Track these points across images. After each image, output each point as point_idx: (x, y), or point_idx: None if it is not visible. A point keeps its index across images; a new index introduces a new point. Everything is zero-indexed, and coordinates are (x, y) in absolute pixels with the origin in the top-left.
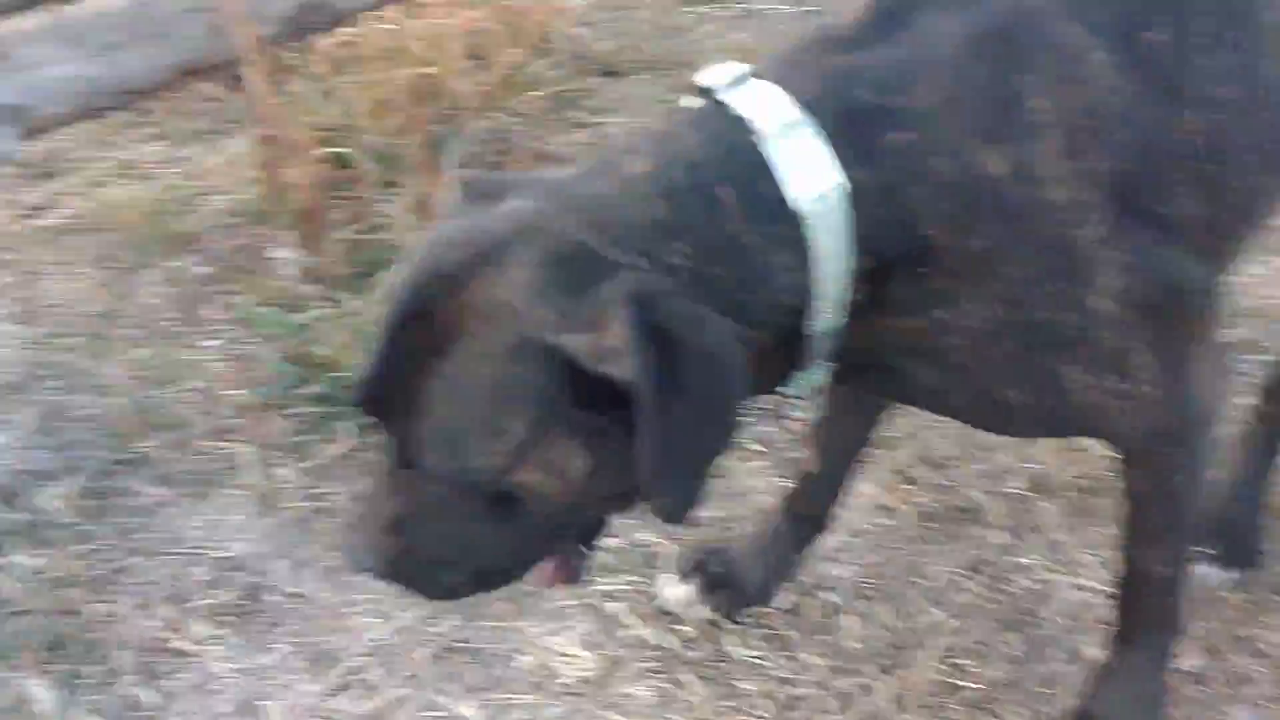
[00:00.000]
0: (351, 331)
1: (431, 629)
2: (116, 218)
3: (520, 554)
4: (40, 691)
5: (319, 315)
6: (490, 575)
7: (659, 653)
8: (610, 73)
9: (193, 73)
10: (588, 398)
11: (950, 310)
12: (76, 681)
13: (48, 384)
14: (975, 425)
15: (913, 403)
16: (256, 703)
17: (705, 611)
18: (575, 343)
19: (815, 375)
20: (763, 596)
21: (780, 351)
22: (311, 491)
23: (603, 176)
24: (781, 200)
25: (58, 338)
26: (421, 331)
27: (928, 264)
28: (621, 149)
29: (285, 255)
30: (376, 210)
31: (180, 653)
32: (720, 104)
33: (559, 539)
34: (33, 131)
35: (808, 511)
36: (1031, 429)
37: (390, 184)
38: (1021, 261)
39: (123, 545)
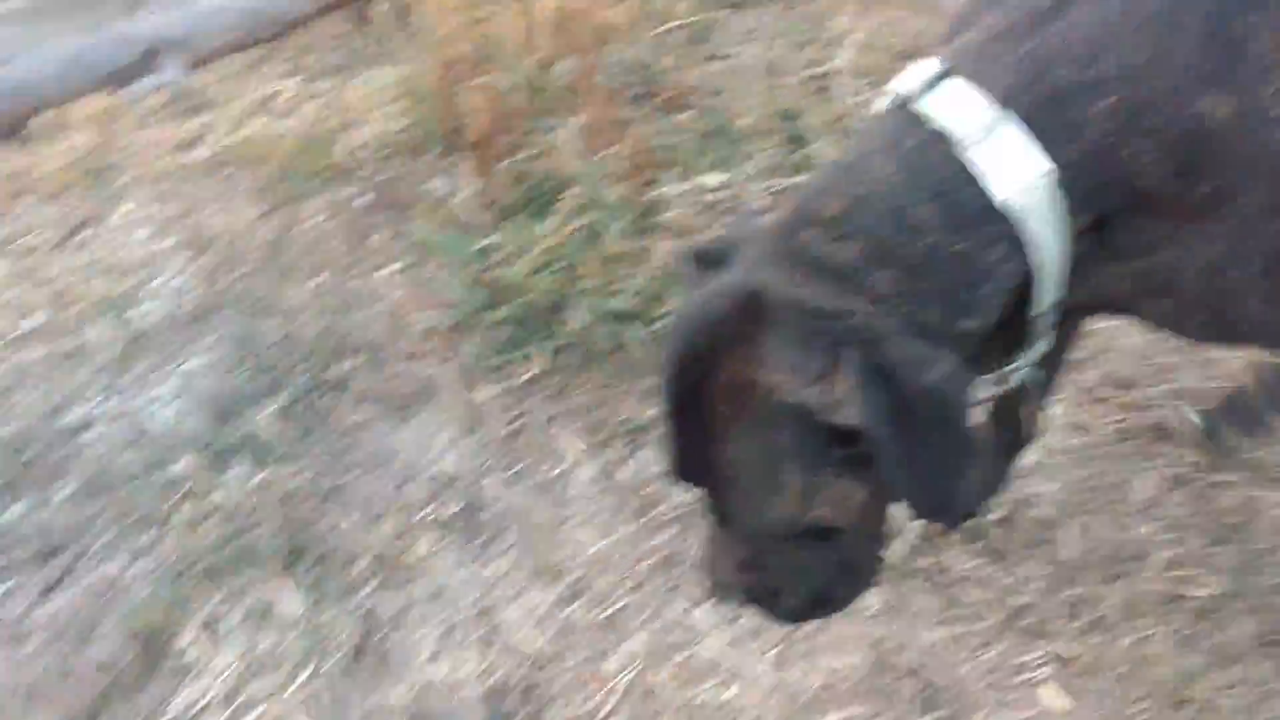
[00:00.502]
0: (534, 258)
1: (648, 542)
2: (267, 151)
3: (846, 576)
4: (286, 598)
5: (495, 241)
6: (823, 600)
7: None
8: (736, 5)
9: (333, 6)
10: (845, 438)
11: (1179, 250)
12: (319, 590)
13: (229, 312)
14: (1207, 341)
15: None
16: (491, 612)
17: (921, 525)
18: (810, 398)
19: (1040, 347)
20: (976, 508)
21: (1004, 335)
22: (513, 411)
23: (805, 225)
24: (988, 203)
25: (230, 268)
26: (692, 413)
27: (1151, 213)
28: (817, 190)
29: (453, 183)
30: (537, 139)
31: (410, 564)
32: (914, 115)
33: (875, 556)
34: (198, 62)
35: (1012, 421)
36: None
37: (548, 111)
38: (1255, 197)
39: (338, 462)
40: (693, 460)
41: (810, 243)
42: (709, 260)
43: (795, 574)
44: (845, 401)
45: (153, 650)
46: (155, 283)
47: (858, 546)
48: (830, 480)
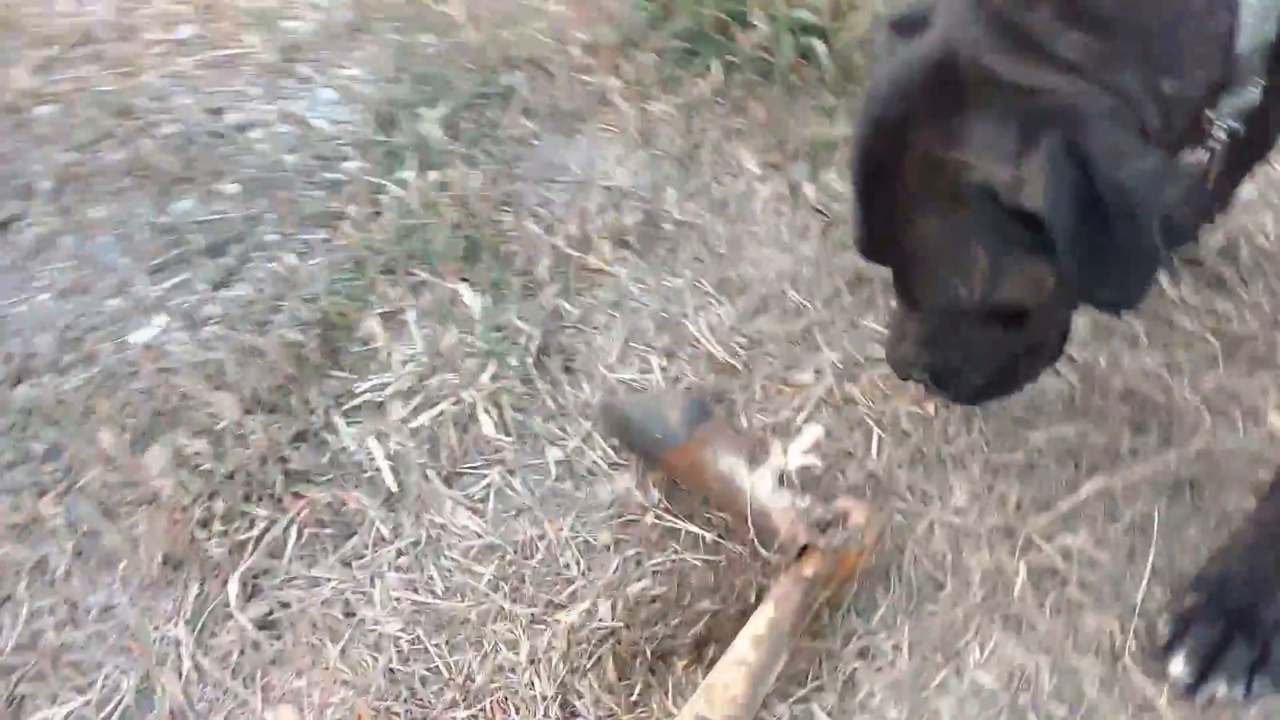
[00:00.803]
0: None
1: (836, 260)
2: None
3: (1028, 357)
4: (467, 295)
5: None
6: (1004, 380)
7: None
8: None
9: None
10: (1033, 221)
11: None
12: (499, 290)
13: (385, 24)
14: None
15: None
16: (678, 320)
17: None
18: (999, 178)
19: (1249, 94)
20: (1190, 235)
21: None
22: (688, 127)
23: None
24: None
25: None
26: (883, 188)
27: None
28: None
29: None
30: None
31: (593, 270)
32: None
33: (1059, 337)
34: None
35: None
36: None
37: None
38: None
39: (508, 170)
40: (881, 237)
41: (1004, 7)
42: (905, 28)
43: (978, 354)
44: (1032, 185)
45: (333, 339)
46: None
47: (1042, 328)
48: (1018, 262)
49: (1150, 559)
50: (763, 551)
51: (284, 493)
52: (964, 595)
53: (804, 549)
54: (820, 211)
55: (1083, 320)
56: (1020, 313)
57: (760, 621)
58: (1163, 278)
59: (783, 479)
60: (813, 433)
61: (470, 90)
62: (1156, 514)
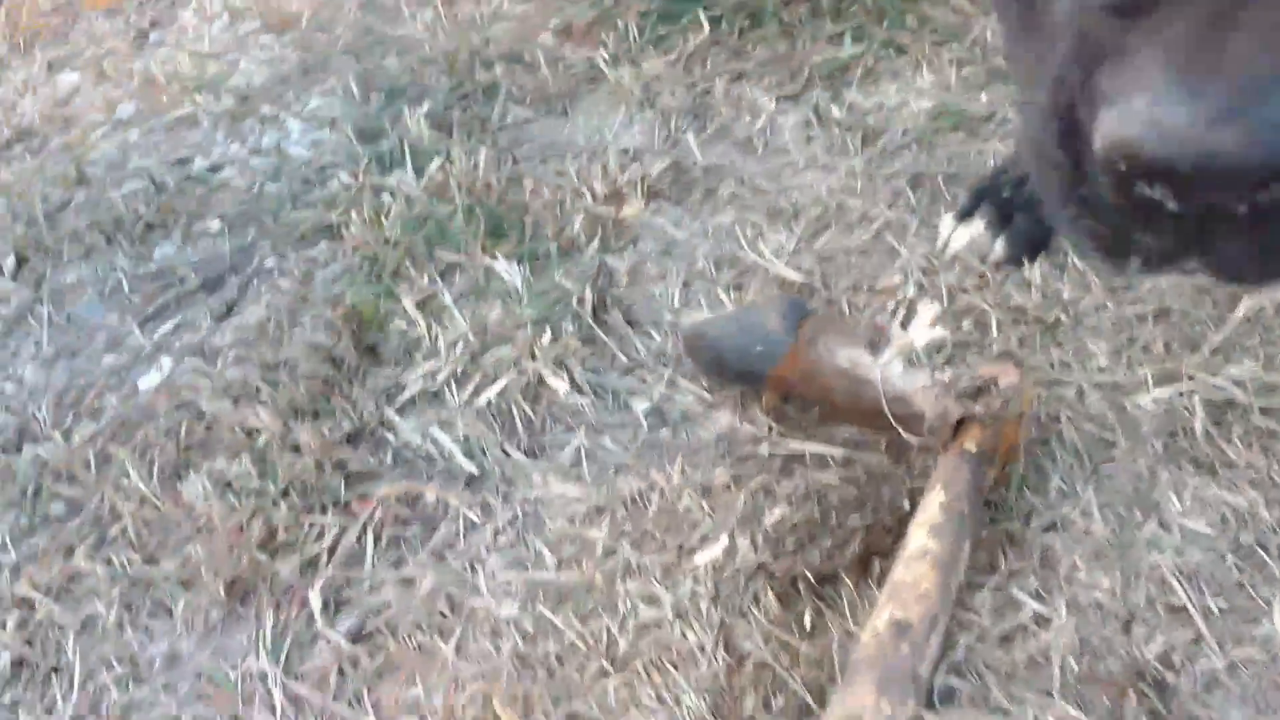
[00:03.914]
0: None
1: (888, 167)
2: None
3: None
4: (502, 269)
5: None
6: None
7: None
8: None
9: None
10: None
11: None
12: (536, 260)
13: (342, 58)
14: None
15: None
16: (736, 253)
17: (1001, 251)
18: None
19: None
20: None
21: None
22: (690, 78)
23: None
24: None
25: (326, 33)
26: None
27: None
28: None
29: None
30: None
31: (629, 224)
32: None
33: None
34: None
35: None
36: None
37: None
38: None
39: (511, 156)
40: None
41: None
42: None
43: None
44: None
45: (367, 338)
46: (246, 61)
47: None
48: None
49: None
50: (910, 439)
51: (350, 497)
52: (1141, 448)
53: (959, 425)
54: (855, 127)
55: None
56: None
57: (933, 508)
58: None
59: (912, 359)
60: (930, 309)
61: (449, 89)
62: None
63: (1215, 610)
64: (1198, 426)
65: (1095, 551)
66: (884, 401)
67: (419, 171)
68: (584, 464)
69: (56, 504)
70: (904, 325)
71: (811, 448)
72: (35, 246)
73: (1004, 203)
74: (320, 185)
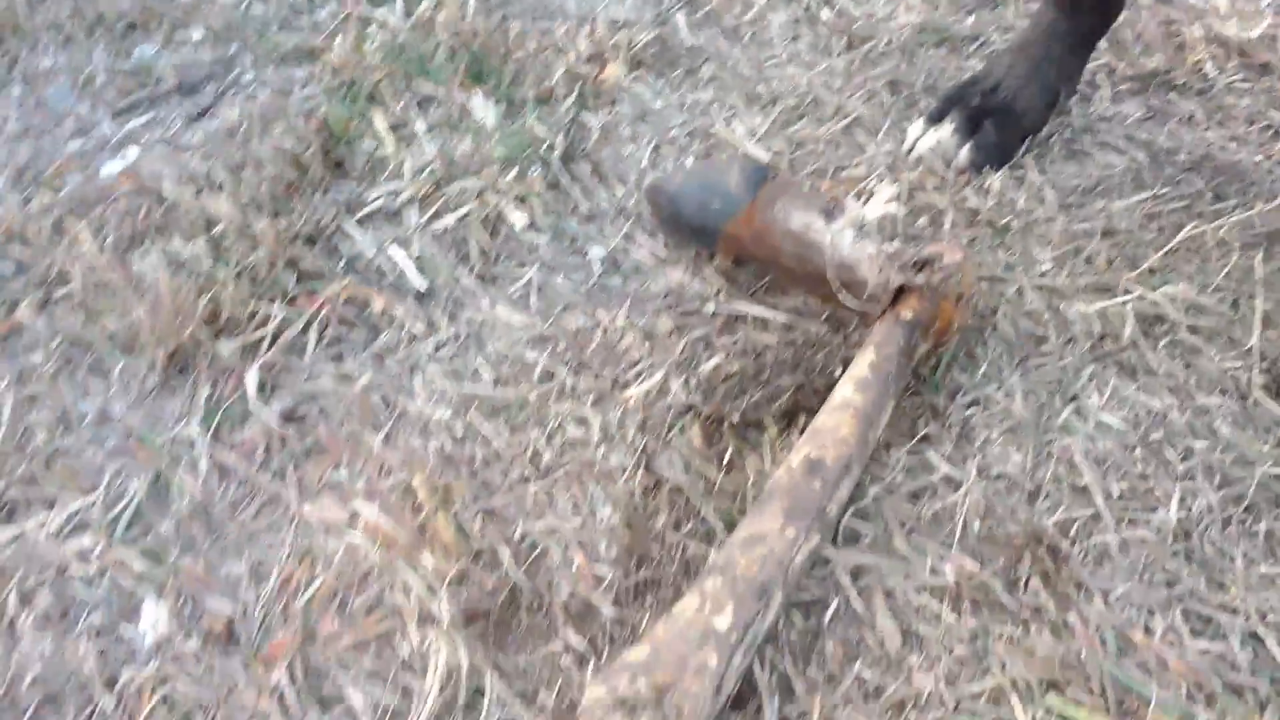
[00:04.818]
0: None
1: (869, 71)
2: None
3: None
4: (479, 106)
5: None
6: None
7: None
8: None
9: None
10: None
11: None
12: (512, 105)
13: None
14: None
15: None
16: (709, 129)
17: (965, 157)
18: None
19: None
20: (1040, 123)
21: None
22: None
23: None
24: None
25: None
26: None
27: None
28: None
29: None
30: None
31: (608, 87)
32: None
33: None
34: None
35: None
36: None
37: None
38: None
39: (501, 10)
40: None
41: None
42: None
43: None
44: None
45: (336, 152)
46: None
47: None
48: None
49: (1259, 305)
50: (850, 305)
51: (298, 292)
52: (1071, 347)
53: (898, 294)
54: (844, 30)
55: (1134, 102)
56: None
57: (862, 366)
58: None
59: (863, 230)
60: (888, 188)
61: None
62: (1255, 265)
63: (1116, 493)
64: (1126, 333)
65: (1011, 429)
66: (830, 266)
67: (409, 11)
68: (533, 296)
69: (5, 263)
70: (861, 200)
71: (755, 310)
72: (13, 29)
73: (974, 110)
74: (309, 12)
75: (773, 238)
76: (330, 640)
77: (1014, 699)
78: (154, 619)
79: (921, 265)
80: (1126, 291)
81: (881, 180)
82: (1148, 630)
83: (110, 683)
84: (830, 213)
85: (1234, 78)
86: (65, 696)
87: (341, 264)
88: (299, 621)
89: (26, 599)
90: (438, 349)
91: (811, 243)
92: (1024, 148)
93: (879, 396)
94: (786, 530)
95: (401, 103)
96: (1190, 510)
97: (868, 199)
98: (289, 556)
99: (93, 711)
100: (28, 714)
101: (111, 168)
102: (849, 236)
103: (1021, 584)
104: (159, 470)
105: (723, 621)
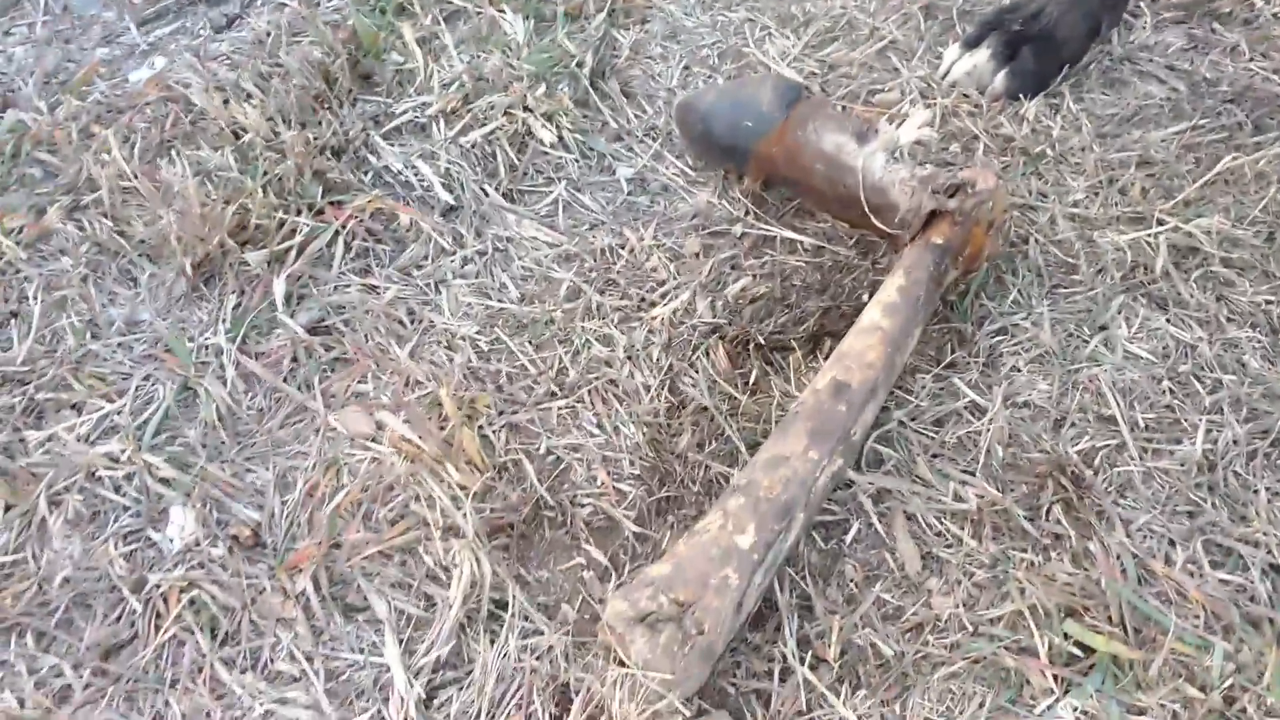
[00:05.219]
0: None
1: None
2: None
3: None
4: (509, 17)
5: None
6: None
7: None
8: None
9: None
10: None
11: None
12: (542, 20)
13: None
14: None
15: None
16: (741, 49)
17: (1001, 83)
18: None
19: None
20: (1079, 52)
21: None
22: None
23: None
24: None
25: None
26: None
27: None
28: None
29: None
30: None
31: (638, 3)
32: None
33: None
34: None
35: None
36: None
37: None
38: None
39: None
40: None
41: None
42: None
43: None
44: None
45: (364, 65)
46: None
47: None
48: None
49: None
50: (882, 229)
51: (325, 204)
52: (1101, 277)
53: (929, 219)
54: None
55: (1176, 31)
56: None
57: (891, 290)
58: None
59: (896, 154)
60: (922, 113)
61: None
62: None
63: (1142, 424)
64: (1159, 265)
65: (1039, 358)
66: (862, 189)
67: None
68: (559, 214)
69: (34, 168)
70: (895, 124)
71: (783, 233)
72: None
73: (1012, 36)
74: None
75: (804, 158)
76: (355, 549)
77: (1032, 625)
78: (181, 524)
79: (954, 191)
80: (1160, 223)
81: (915, 105)
82: (1168, 560)
83: (138, 586)
84: (863, 135)
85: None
86: (94, 598)
87: (369, 176)
88: (324, 530)
89: (56, 501)
90: (464, 264)
91: (843, 165)
92: (1061, 75)
93: (906, 322)
94: (810, 452)
95: (430, 15)
96: (1216, 443)
97: (901, 123)
98: (314, 466)
99: (121, 614)
100: (57, 614)
101: (139, 75)
102: (881, 159)
103: (1043, 512)
104: (186, 378)
105: (745, 540)
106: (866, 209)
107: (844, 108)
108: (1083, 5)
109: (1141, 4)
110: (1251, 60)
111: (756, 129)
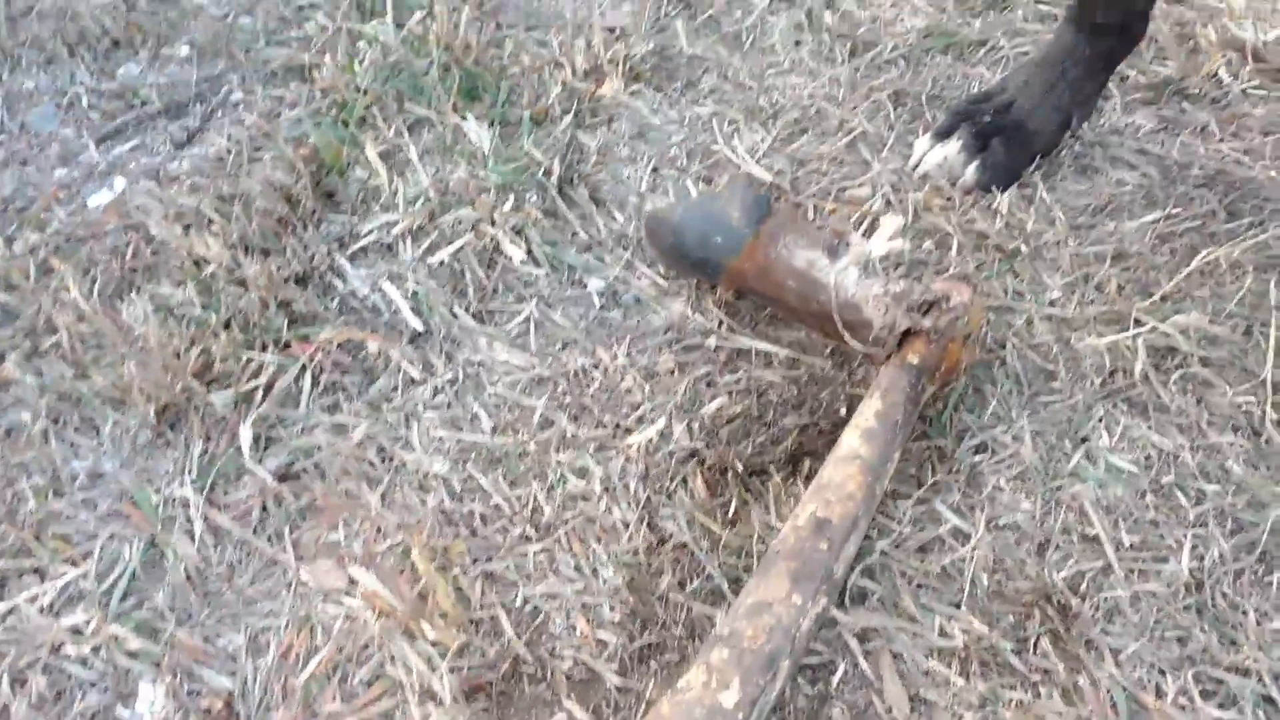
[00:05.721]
0: None
1: (873, 80)
2: None
3: None
4: (472, 130)
5: None
6: None
7: None
8: None
9: None
10: None
11: None
12: (507, 125)
13: None
14: None
15: None
16: (710, 146)
17: (971, 176)
18: None
19: None
20: (1050, 145)
21: None
22: None
23: None
24: None
25: None
26: None
27: None
28: None
29: None
30: None
31: (606, 103)
32: None
33: None
34: None
35: (1110, 19)
36: None
37: None
38: None
39: (494, 18)
40: None
41: None
42: None
43: None
44: None
45: (327, 182)
46: None
47: None
48: None
49: (1272, 333)
50: (856, 347)
51: (291, 338)
52: (1080, 383)
53: (904, 336)
54: (848, 35)
55: (1146, 112)
56: None
57: (868, 414)
58: (1224, 69)
59: (868, 268)
60: (893, 221)
61: None
62: (1271, 289)
63: (1127, 544)
64: (1138, 368)
65: (1020, 475)
66: (835, 306)
67: (399, 23)
68: (531, 334)
69: None
70: (866, 234)
71: (758, 345)
72: None
73: (983, 127)
74: (296, 25)
75: (776, 274)
76: (332, 719)
77: None
78: (150, 700)
79: (928, 307)
80: (1138, 322)
81: (887, 206)
82: (1159, 693)
83: None
84: (834, 250)
85: (1249, 84)
86: None
87: (335, 303)
88: (299, 698)
89: (20, 681)
90: (435, 394)
91: (817, 281)
92: (1033, 166)
93: (886, 446)
94: (793, 596)
95: (393, 127)
96: (1202, 560)
97: (872, 232)
98: (288, 625)
99: None
100: None
101: (99, 199)
102: (854, 275)
103: (1031, 644)
104: (153, 535)
105: (729, 698)
106: (840, 327)
107: (815, 207)
108: (1055, 98)
109: (1111, 85)
110: (1222, 140)
111: (727, 245)
